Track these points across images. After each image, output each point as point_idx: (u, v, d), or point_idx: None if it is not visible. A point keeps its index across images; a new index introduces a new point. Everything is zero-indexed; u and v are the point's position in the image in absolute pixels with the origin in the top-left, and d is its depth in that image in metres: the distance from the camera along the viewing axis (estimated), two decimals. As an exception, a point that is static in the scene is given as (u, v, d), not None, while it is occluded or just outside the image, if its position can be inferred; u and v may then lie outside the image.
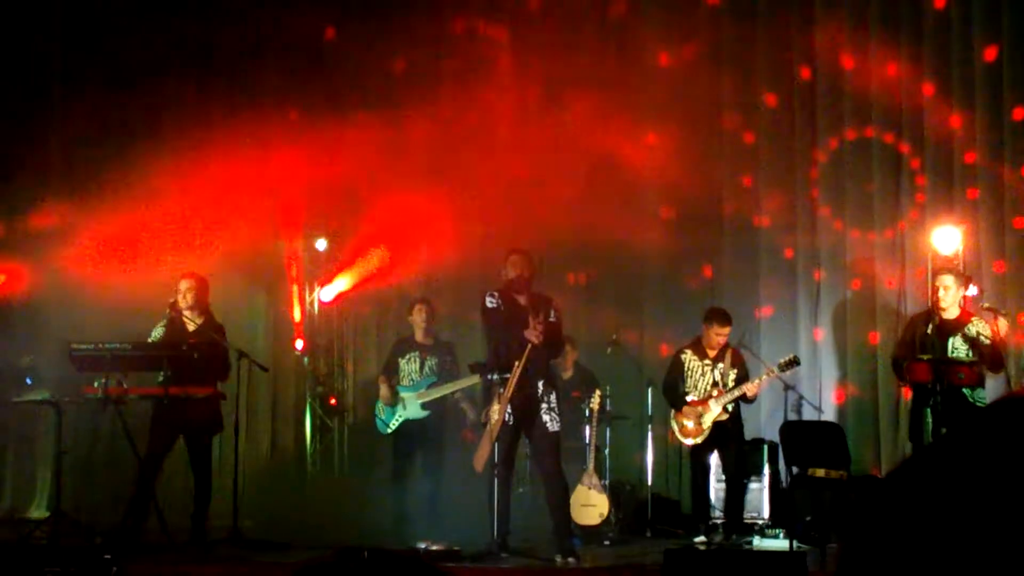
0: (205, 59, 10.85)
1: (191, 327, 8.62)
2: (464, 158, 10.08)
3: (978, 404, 8.11)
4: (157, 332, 8.65)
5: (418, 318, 9.32)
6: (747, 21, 10.19)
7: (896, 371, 8.37)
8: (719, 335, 8.70)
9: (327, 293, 10.87)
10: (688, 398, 8.69)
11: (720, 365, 8.71)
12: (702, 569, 6.36)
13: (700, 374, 8.74)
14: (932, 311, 7.99)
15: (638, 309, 10.54)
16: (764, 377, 8.65)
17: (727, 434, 8.67)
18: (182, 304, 8.66)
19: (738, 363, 8.75)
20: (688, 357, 8.81)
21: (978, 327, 7.97)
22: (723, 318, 8.75)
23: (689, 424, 8.65)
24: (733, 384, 8.63)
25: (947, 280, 8.07)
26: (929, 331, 7.87)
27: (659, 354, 9.95)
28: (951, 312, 8.03)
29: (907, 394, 8.87)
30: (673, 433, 8.90)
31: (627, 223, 10.06)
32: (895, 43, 9.68)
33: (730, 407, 8.65)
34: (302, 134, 10.39)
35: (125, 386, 8.29)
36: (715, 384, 8.69)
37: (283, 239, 10.90)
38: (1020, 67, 9.38)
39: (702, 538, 8.57)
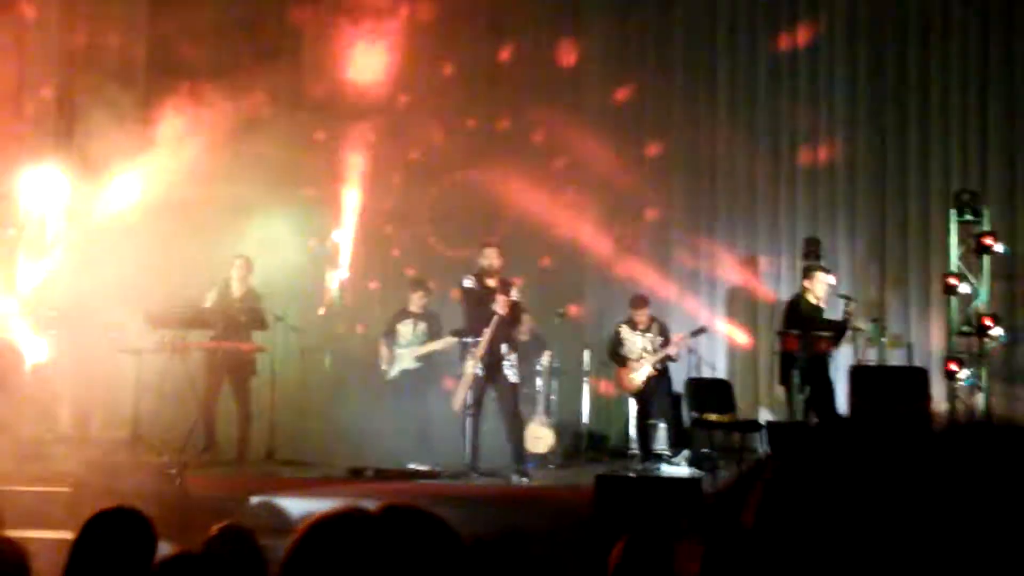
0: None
1: (237, 294, 10.23)
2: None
3: None
4: (211, 295, 10.18)
5: (416, 297, 10.48)
6: None
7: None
8: (641, 313, 10.43)
9: (341, 273, 11.55)
10: (628, 359, 10.34)
11: (648, 334, 10.35)
12: (624, 490, 7.64)
13: (633, 342, 10.41)
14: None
15: (579, 290, 11.76)
16: (679, 341, 10.36)
17: (659, 387, 10.34)
18: (234, 276, 10.25)
19: (662, 331, 10.44)
20: (624, 330, 10.45)
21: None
22: (643, 301, 10.52)
23: (626, 379, 10.41)
24: (659, 347, 10.33)
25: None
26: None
27: (594, 324, 11.40)
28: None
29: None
30: (617, 384, 10.59)
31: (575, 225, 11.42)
32: None
33: (659, 366, 10.33)
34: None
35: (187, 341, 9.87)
36: (644, 348, 10.35)
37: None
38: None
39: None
